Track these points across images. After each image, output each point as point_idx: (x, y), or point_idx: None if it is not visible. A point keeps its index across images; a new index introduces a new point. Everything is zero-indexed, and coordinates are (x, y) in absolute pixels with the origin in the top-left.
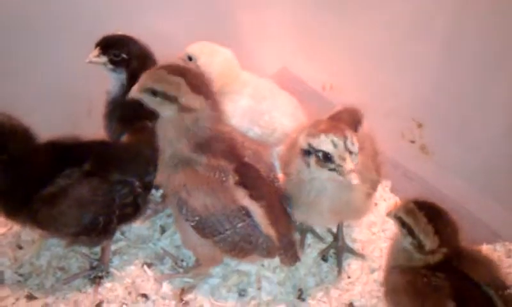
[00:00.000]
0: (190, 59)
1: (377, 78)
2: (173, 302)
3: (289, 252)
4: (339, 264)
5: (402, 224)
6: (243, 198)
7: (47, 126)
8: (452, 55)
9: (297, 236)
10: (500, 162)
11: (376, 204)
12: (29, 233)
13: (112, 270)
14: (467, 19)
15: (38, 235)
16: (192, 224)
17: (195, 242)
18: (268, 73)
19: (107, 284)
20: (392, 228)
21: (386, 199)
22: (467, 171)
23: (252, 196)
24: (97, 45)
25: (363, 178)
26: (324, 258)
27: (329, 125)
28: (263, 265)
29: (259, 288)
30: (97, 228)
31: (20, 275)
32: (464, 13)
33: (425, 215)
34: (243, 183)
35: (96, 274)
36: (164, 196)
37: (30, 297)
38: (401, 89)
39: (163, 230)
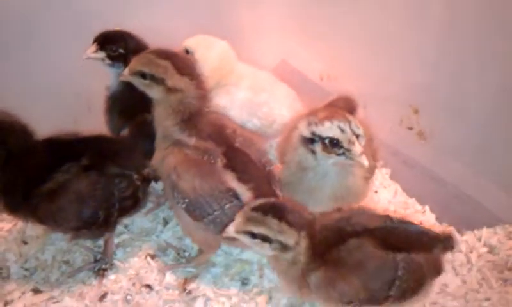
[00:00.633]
0: (187, 52)
1: (373, 67)
2: (177, 292)
3: None
4: None
5: (253, 236)
6: (231, 181)
7: (47, 124)
8: (448, 40)
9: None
10: (498, 145)
11: (376, 191)
12: (33, 229)
13: (116, 262)
14: (462, 3)
15: (42, 230)
16: (183, 206)
17: (190, 227)
18: (268, 67)
19: (111, 276)
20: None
21: (386, 186)
22: (466, 156)
23: (240, 179)
24: (94, 41)
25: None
26: None
27: (329, 111)
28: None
29: (261, 276)
30: (98, 222)
31: (26, 269)
32: None
33: (273, 216)
34: (231, 166)
35: (100, 266)
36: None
37: (36, 291)
38: (397, 76)
39: (166, 222)
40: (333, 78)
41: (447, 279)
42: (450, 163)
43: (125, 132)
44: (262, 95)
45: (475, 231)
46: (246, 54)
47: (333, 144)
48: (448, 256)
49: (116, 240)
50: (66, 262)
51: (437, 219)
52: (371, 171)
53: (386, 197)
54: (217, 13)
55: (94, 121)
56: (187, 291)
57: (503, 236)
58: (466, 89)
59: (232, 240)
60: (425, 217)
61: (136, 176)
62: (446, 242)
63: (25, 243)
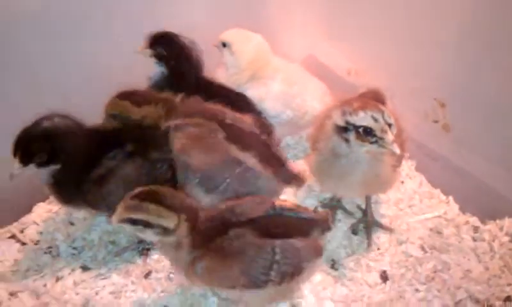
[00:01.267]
0: (224, 45)
1: (400, 61)
2: None
3: (292, 180)
4: (369, 237)
5: (134, 222)
6: (234, 151)
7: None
8: (474, 33)
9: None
10: None
11: (402, 182)
12: (79, 211)
13: None
14: None
15: (88, 212)
16: (197, 181)
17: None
18: (295, 61)
19: (155, 255)
20: (418, 204)
21: (411, 177)
22: (489, 148)
23: (242, 149)
24: (148, 38)
25: (390, 152)
26: (355, 232)
27: (363, 102)
28: None
29: None
30: None
31: (74, 248)
32: None
33: (150, 202)
34: (230, 139)
35: (144, 247)
36: None
37: (84, 268)
38: (424, 70)
39: None
40: (359, 73)
41: (471, 265)
42: (474, 156)
43: None
44: (295, 87)
45: (498, 221)
46: (274, 47)
47: (367, 133)
48: (471, 244)
49: None
50: (112, 242)
51: (460, 209)
52: (399, 160)
53: (412, 187)
54: (247, 7)
55: None
56: None
57: None
58: (491, 82)
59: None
60: (449, 207)
61: (174, 161)
62: (323, 225)
63: (72, 224)
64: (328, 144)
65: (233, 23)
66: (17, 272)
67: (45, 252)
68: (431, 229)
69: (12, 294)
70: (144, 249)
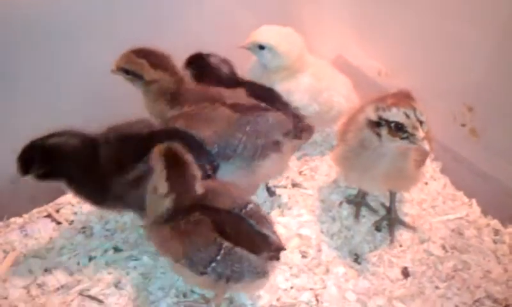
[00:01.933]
0: (262, 47)
1: (430, 64)
2: None
3: (299, 129)
4: (391, 234)
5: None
6: (235, 114)
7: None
8: (504, 38)
9: (352, 207)
10: None
11: (426, 183)
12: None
13: None
14: None
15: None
16: (215, 151)
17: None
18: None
19: None
20: (441, 205)
21: (436, 178)
22: None
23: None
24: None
25: (416, 147)
26: (378, 228)
27: (396, 98)
28: (322, 232)
29: (319, 251)
30: None
31: (107, 230)
32: None
33: (164, 161)
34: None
35: None
36: None
37: (116, 249)
38: (453, 74)
39: None
40: (389, 75)
41: (490, 266)
42: (498, 160)
43: None
44: (323, 82)
45: None
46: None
47: (398, 129)
48: (491, 246)
49: None
50: (144, 226)
51: (482, 211)
52: (424, 157)
53: (436, 188)
54: (278, 7)
55: None
56: None
57: None
58: None
59: None
60: (471, 210)
61: (208, 166)
62: (274, 252)
63: None
64: (358, 136)
65: (264, 23)
66: (52, 250)
67: (79, 232)
68: (452, 230)
69: (46, 270)
70: None
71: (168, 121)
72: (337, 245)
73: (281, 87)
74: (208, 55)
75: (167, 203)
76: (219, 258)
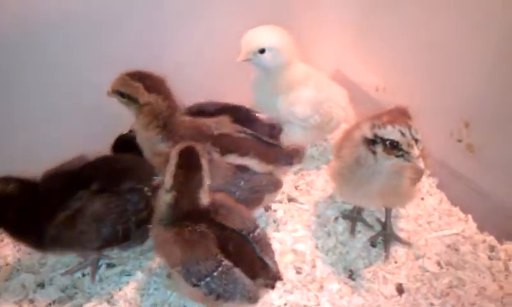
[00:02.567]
0: (262, 51)
1: (427, 80)
2: None
3: (291, 159)
4: (387, 250)
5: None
6: (235, 160)
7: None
8: (503, 56)
9: (347, 222)
10: None
11: (422, 198)
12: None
13: None
14: None
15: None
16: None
17: None
18: None
19: None
20: (437, 220)
21: (432, 194)
22: (510, 169)
23: (241, 154)
24: None
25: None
26: (373, 244)
27: (392, 116)
28: (317, 247)
29: (314, 267)
30: (118, 238)
31: None
32: None
33: (178, 157)
34: (227, 149)
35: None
36: None
37: (110, 265)
38: (451, 90)
39: None
40: (386, 91)
41: (485, 283)
42: (495, 176)
43: None
44: (323, 93)
45: None
46: (302, 61)
47: (393, 147)
48: (487, 263)
49: None
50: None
51: (478, 227)
52: (419, 175)
53: (432, 204)
54: (276, 20)
55: None
56: None
57: None
58: None
59: None
60: (467, 225)
61: (146, 188)
62: (271, 281)
63: None
64: (353, 153)
65: None
66: (45, 265)
67: None
68: (448, 246)
69: (39, 285)
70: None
71: (155, 157)
72: (332, 261)
73: (285, 100)
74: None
75: (168, 199)
76: (215, 274)
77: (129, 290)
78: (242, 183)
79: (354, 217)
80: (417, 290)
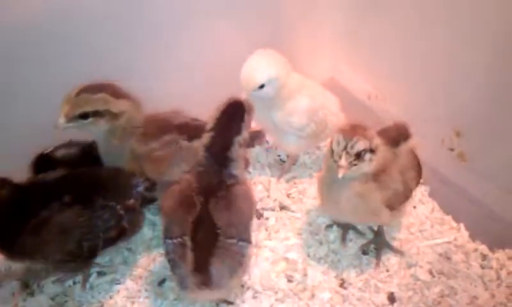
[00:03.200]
0: (262, 86)
1: (420, 89)
2: None
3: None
4: (378, 258)
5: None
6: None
7: None
8: (497, 65)
9: (339, 230)
10: None
11: (414, 207)
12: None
13: None
14: None
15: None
16: None
17: None
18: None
19: None
20: (429, 229)
21: (424, 202)
22: (502, 178)
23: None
24: None
25: (384, 186)
26: (365, 252)
27: (352, 126)
28: (308, 256)
29: (305, 275)
30: (83, 253)
31: None
32: None
33: (225, 105)
34: (191, 136)
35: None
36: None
37: (100, 273)
38: (443, 99)
39: None
40: (380, 99)
41: (477, 292)
42: (487, 184)
43: None
44: (317, 101)
45: (507, 250)
46: (295, 70)
47: (332, 155)
48: (479, 272)
49: None
50: (129, 249)
51: (470, 236)
52: (396, 195)
53: (424, 212)
54: (269, 30)
55: None
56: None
57: None
58: (507, 114)
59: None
60: (459, 234)
61: (118, 206)
62: (199, 286)
63: None
64: (329, 166)
65: (256, 44)
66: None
67: None
68: (440, 255)
69: (29, 294)
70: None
71: (131, 162)
72: (323, 270)
73: (281, 111)
74: None
75: (205, 139)
76: (175, 241)
77: (120, 298)
78: None
79: (345, 224)
80: (409, 299)
